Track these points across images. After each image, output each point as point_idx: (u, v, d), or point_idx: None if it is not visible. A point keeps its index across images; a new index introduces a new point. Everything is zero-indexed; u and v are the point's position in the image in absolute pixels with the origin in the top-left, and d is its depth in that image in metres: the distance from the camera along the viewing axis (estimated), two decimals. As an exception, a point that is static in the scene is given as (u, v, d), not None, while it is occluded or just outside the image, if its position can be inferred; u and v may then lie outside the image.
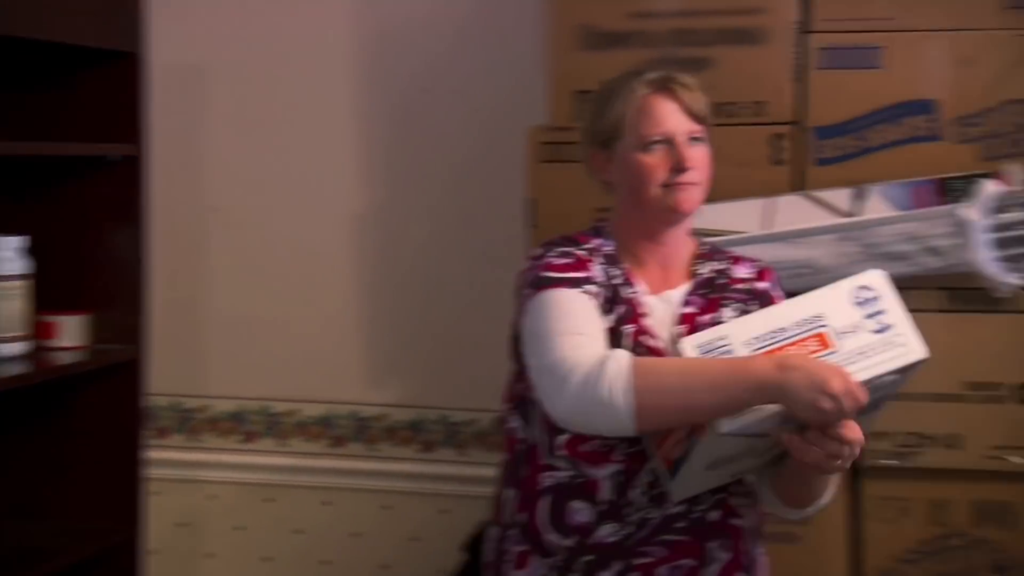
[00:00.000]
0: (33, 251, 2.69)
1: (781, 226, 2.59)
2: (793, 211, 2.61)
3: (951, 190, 2.56)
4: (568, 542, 2.08)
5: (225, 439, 3.40)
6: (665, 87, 2.11)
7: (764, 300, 2.14)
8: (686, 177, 2.07)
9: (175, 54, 3.18)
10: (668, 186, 2.08)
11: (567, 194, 2.69)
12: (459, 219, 3.22)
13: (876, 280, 1.96)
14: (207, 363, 3.39)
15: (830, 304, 1.94)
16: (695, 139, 2.10)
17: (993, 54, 2.62)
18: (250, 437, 3.39)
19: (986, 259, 2.46)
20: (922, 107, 2.63)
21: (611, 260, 2.14)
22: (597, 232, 2.20)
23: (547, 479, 2.10)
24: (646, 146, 2.09)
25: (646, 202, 2.10)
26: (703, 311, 2.12)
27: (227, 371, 3.38)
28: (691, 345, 1.94)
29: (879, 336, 1.92)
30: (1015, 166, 2.58)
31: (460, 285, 3.23)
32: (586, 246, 2.15)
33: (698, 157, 2.09)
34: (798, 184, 2.66)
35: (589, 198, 2.60)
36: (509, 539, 2.17)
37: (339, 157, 3.29)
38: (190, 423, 3.41)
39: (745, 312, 2.10)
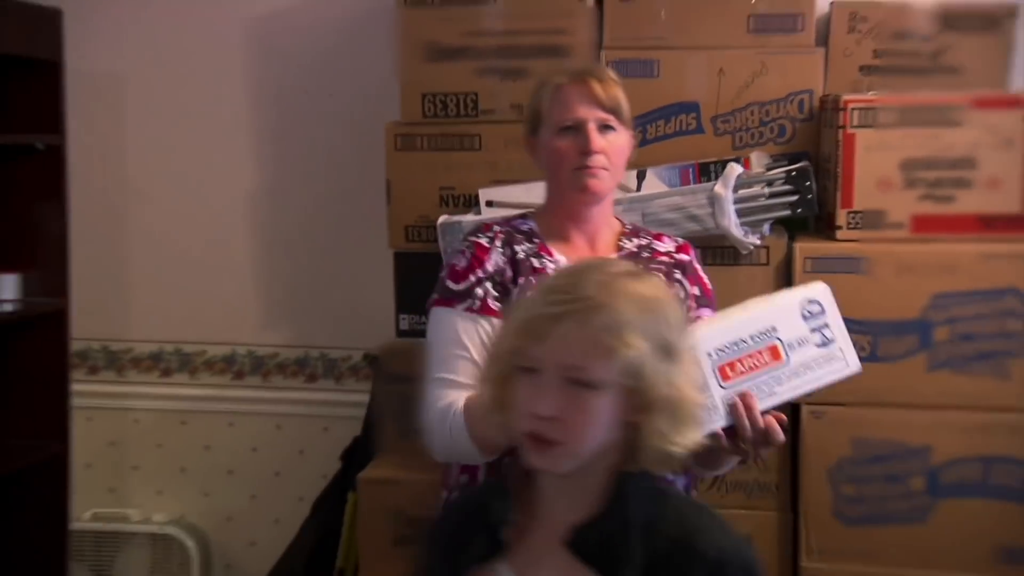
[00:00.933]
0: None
1: None
2: None
3: (708, 172, 2.58)
4: None
5: (147, 375, 3.32)
6: (580, 78, 1.90)
7: (686, 270, 1.95)
8: (592, 161, 1.86)
9: (95, 62, 3.11)
10: (578, 169, 1.87)
11: (416, 175, 2.69)
12: (333, 194, 3.17)
13: (823, 294, 1.76)
14: (130, 314, 3.31)
15: (782, 316, 1.72)
16: (606, 127, 1.88)
17: (740, 67, 2.63)
18: (166, 372, 3.31)
19: (733, 225, 2.44)
20: (688, 108, 2.62)
21: (525, 235, 1.94)
22: (520, 216, 1.99)
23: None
24: (559, 131, 1.88)
25: (561, 183, 1.91)
26: None
27: (147, 320, 3.30)
28: None
29: (821, 350, 1.73)
30: (757, 153, 2.62)
31: (336, 248, 3.17)
32: (496, 228, 1.94)
33: (606, 144, 1.88)
34: None
35: (434, 179, 2.69)
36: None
37: (234, 144, 3.22)
38: (117, 363, 3.32)
39: (667, 280, 1.87)
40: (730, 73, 2.61)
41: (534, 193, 2.49)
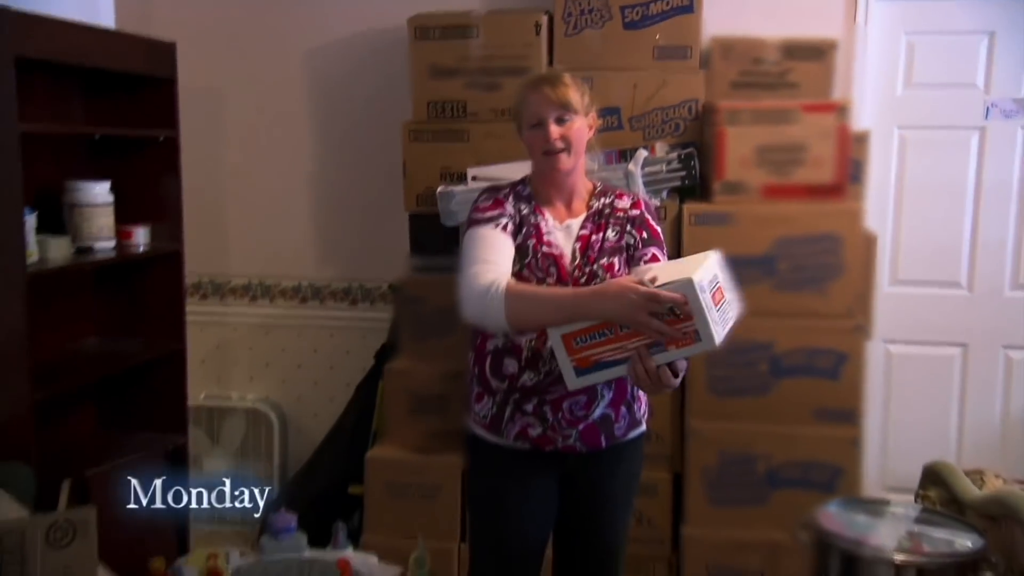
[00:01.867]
0: (115, 189, 2.61)
1: None
2: None
3: (625, 156, 2.56)
4: (503, 385, 1.82)
5: (240, 300, 3.27)
6: (536, 86, 1.80)
7: (636, 222, 1.84)
8: (551, 146, 1.77)
9: (199, 78, 3.02)
10: (546, 154, 1.78)
11: (423, 159, 2.66)
12: (368, 172, 3.09)
13: (720, 257, 1.68)
14: (228, 256, 3.26)
15: (717, 267, 1.63)
16: (561, 120, 1.77)
17: (649, 83, 2.61)
18: (254, 298, 3.27)
19: (642, 191, 2.44)
20: (612, 111, 2.60)
21: (526, 198, 1.84)
22: (522, 181, 1.89)
23: (489, 344, 1.84)
24: (530, 127, 1.80)
25: (538, 164, 1.83)
26: (593, 232, 1.82)
27: (240, 260, 3.25)
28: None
29: (729, 295, 1.63)
30: (660, 143, 2.61)
31: (368, 210, 3.10)
32: (505, 191, 1.85)
33: (564, 130, 1.77)
34: None
35: (436, 161, 2.66)
36: (472, 384, 1.90)
37: (298, 137, 3.14)
38: (220, 291, 3.27)
39: (622, 231, 1.80)
40: (641, 87, 2.60)
41: (509, 171, 2.39)
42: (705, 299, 1.53)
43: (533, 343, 1.80)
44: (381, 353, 2.95)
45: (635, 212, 1.88)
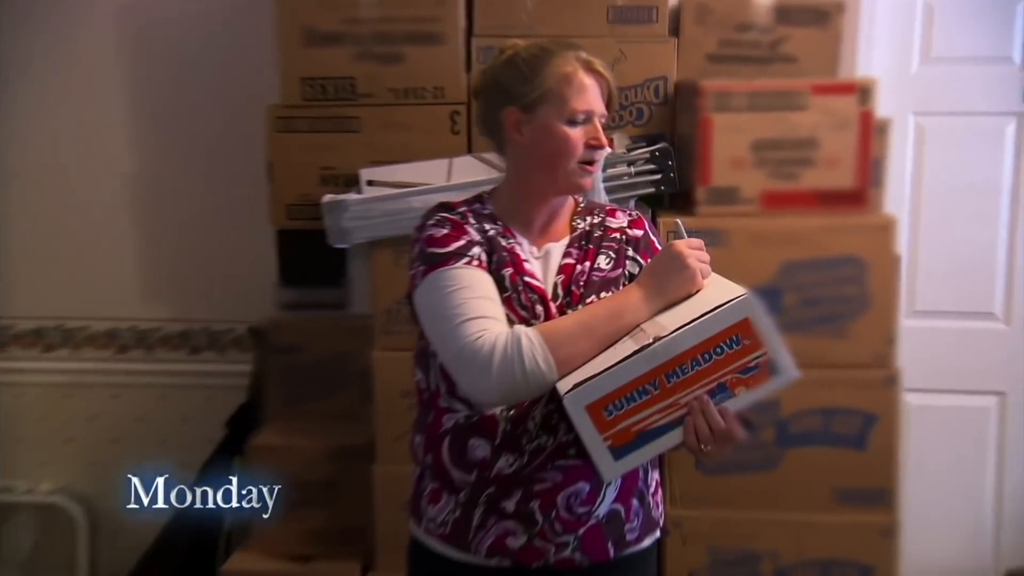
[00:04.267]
0: None
1: (457, 179, 2.48)
2: (466, 168, 2.50)
3: None
4: (470, 477, 1.70)
5: (28, 350, 3.12)
6: (592, 68, 1.70)
7: (640, 246, 1.79)
8: (599, 155, 1.69)
9: None
10: (584, 163, 1.68)
11: (296, 156, 2.64)
12: (214, 174, 3.02)
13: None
14: (11, 292, 3.11)
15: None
16: (601, 122, 1.71)
17: (601, 55, 2.41)
18: (48, 348, 3.12)
19: (602, 199, 2.39)
20: None
21: (488, 218, 1.74)
22: (476, 199, 1.79)
23: (447, 420, 1.72)
24: (571, 119, 1.66)
25: (557, 171, 1.68)
26: (580, 260, 1.75)
27: (28, 297, 3.11)
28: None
29: None
30: (618, 134, 2.60)
31: (216, 225, 3.03)
32: (459, 210, 1.74)
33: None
34: (470, 148, 2.59)
35: (315, 159, 2.63)
36: (423, 478, 1.78)
37: (112, 126, 3.04)
38: None
39: (620, 258, 1.76)
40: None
41: (419, 173, 2.49)
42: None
43: (512, 411, 1.68)
44: (236, 421, 2.89)
45: (636, 233, 1.81)
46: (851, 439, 2.42)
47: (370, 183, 2.49)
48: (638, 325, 1.58)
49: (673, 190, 2.51)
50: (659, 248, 1.80)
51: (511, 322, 1.65)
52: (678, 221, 1.75)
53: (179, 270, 3.07)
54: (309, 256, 2.62)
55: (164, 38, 2.98)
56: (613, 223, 1.79)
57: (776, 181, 2.45)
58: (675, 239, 1.63)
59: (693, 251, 1.61)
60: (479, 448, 1.69)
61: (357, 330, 2.54)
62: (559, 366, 1.57)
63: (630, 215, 1.83)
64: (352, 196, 2.46)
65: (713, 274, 1.65)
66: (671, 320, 1.56)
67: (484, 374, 1.57)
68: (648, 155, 2.49)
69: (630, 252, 1.77)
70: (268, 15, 2.63)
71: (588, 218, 1.80)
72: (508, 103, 1.70)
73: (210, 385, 3.06)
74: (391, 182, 2.46)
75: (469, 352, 1.58)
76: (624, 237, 1.78)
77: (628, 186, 2.46)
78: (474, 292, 1.63)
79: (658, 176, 2.48)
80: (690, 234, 1.71)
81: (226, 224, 3.00)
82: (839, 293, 2.41)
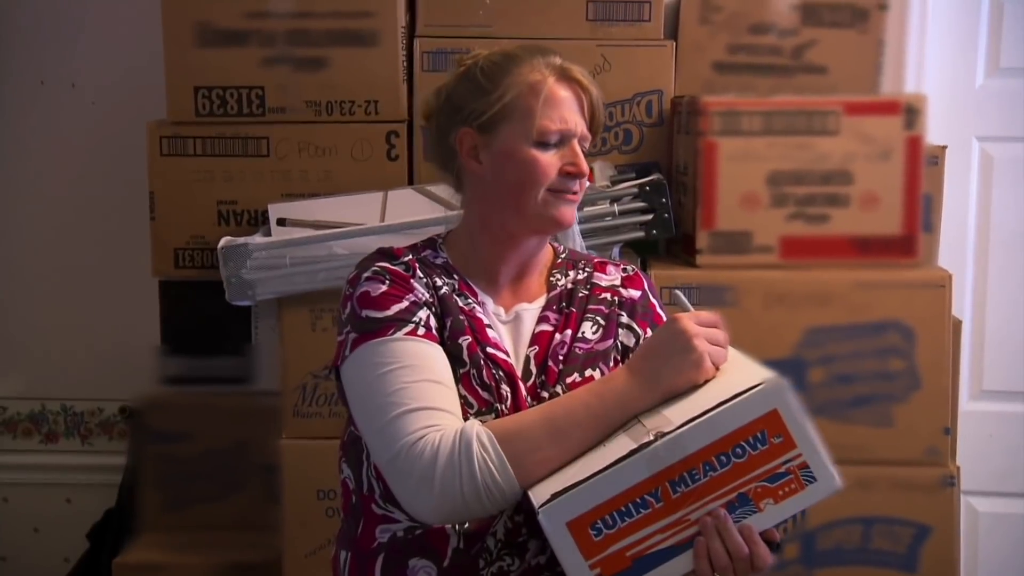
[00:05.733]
0: None
1: (394, 218, 2.49)
2: (406, 203, 2.52)
3: None
4: None
5: None
6: (568, 76, 1.70)
7: (635, 310, 1.79)
8: (578, 185, 1.69)
9: None
10: (557, 192, 1.67)
11: (187, 187, 2.65)
12: (79, 209, 3.06)
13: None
14: None
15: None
16: (583, 140, 1.71)
17: (578, 62, 2.55)
18: None
19: (577, 246, 2.39)
20: None
21: (442, 271, 1.75)
22: (427, 244, 1.79)
23: (382, 533, 1.69)
24: (540, 140, 1.66)
25: (523, 204, 1.68)
26: (560, 328, 1.74)
27: None
28: None
29: None
30: (600, 163, 2.62)
31: (83, 278, 3.05)
32: (404, 259, 1.73)
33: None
34: (412, 179, 2.62)
35: (211, 191, 2.64)
36: None
37: None
38: None
39: (611, 326, 1.76)
40: (568, 69, 2.63)
41: (342, 210, 2.50)
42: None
43: (467, 523, 1.65)
44: (101, 531, 2.88)
45: (632, 294, 1.80)
46: (898, 558, 2.42)
47: (281, 222, 2.49)
48: (632, 420, 1.57)
49: (668, 235, 2.53)
50: (662, 316, 1.80)
51: (468, 408, 1.64)
52: (677, 292, 1.70)
53: (30, 336, 3.09)
54: (201, 316, 2.62)
55: (14, 33, 3.00)
56: (602, 280, 1.79)
57: (799, 224, 2.46)
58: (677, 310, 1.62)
59: (704, 329, 1.56)
60: (422, 571, 1.66)
61: (261, 412, 2.54)
62: (521, 479, 1.54)
63: (624, 270, 1.82)
64: (257, 239, 2.46)
65: (732, 350, 1.64)
66: (678, 412, 1.56)
67: (423, 487, 1.54)
68: (637, 189, 2.51)
69: (623, 318, 1.76)
70: (154, 6, 2.64)
71: (571, 273, 1.79)
72: (461, 123, 1.70)
73: (68, 483, 3.06)
74: (308, 221, 2.47)
75: (406, 458, 1.54)
76: (616, 299, 1.77)
77: (611, 229, 2.49)
78: (417, 373, 1.60)
79: (649, 217, 2.50)
80: (690, 293, 1.72)
81: (94, 273, 3.02)
82: (880, 368, 2.42)
